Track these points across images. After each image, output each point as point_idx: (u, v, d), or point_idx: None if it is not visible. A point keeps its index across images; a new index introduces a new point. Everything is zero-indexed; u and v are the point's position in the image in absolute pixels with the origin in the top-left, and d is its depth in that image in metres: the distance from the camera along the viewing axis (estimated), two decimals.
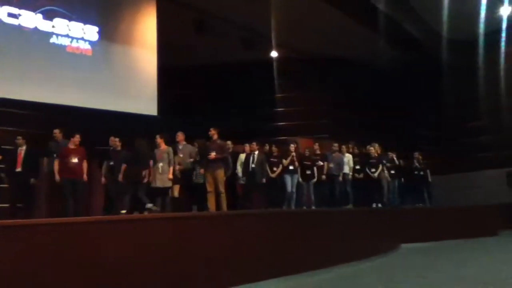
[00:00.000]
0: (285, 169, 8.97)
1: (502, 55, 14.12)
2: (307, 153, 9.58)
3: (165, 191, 7.55)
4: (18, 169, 7.46)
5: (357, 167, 10.12)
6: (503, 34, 13.89)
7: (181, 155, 8.24)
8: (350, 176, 10.01)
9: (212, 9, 11.84)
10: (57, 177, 7.09)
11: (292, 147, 9.23)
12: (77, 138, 7.35)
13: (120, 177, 7.50)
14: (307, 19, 12.30)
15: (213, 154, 7.65)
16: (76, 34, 9.60)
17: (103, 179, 7.80)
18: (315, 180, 9.41)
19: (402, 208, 10.77)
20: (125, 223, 5.26)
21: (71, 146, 7.24)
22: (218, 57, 14.09)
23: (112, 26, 10.16)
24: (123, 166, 7.51)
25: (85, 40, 9.71)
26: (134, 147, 7.61)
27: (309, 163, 9.40)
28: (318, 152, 9.95)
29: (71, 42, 9.51)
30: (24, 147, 7.59)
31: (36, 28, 9.08)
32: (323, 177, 9.60)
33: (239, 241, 5.92)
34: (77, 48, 9.60)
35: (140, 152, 7.48)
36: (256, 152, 8.87)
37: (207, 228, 5.79)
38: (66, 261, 4.41)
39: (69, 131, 7.61)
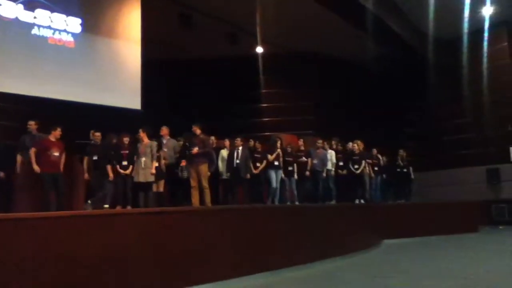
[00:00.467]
0: (270, 165, 8.97)
1: (485, 54, 14.34)
2: (289, 149, 9.59)
3: (148, 186, 7.48)
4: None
5: (340, 163, 10.19)
6: (486, 34, 14.11)
7: (165, 150, 8.20)
8: (333, 172, 10.06)
9: (197, 3, 11.76)
10: (36, 169, 6.91)
11: (278, 143, 9.25)
12: (58, 131, 7.21)
13: (110, 174, 7.44)
14: (292, 15, 12.30)
15: (195, 149, 7.61)
16: (59, 25, 9.42)
17: (86, 174, 7.64)
18: (296, 176, 9.42)
19: (384, 204, 10.89)
20: (105, 217, 5.21)
21: (52, 139, 7.11)
22: (203, 51, 14.03)
23: (96, 19, 10.00)
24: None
25: (68, 32, 9.54)
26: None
27: (291, 159, 9.41)
28: (302, 148, 9.97)
29: (53, 33, 9.33)
30: None
31: (16, 18, 8.89)
32: (307, 173, 9.63)
33: (221, 236, 5.93)
34: (59, 40, 9.43)
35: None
36: (240, 148, 8.85)
37: (189, 222, 5.77)
38: (46, 256, 4.35)
39: (50, 124, 7.45)
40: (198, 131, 7.87)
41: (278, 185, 9.06)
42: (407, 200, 11.75)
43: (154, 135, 8.10)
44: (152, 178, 7.53)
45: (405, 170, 11.66)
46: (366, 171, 10.44)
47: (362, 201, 10.32)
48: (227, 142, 9.25)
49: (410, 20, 13.41)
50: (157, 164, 7.54)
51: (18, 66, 8.86)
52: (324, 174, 9.86)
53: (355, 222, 8.83)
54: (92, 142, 7.82)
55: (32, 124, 7.26)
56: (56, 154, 7.03)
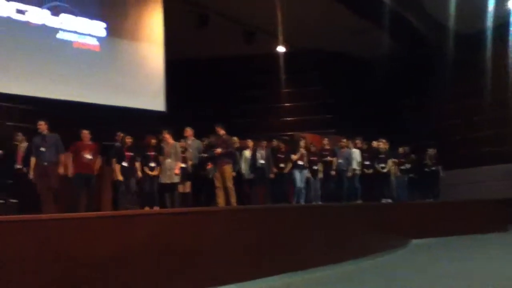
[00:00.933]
0: (294, 165, 8.94)
1: (509, 49, 13.93)
2: (313, 148, 9.53)
3: (173, 186, 7.54)
4: (19, 166, 7.46)
5: (366, 162, 10.07)
6: (511, 28, 13.71)
7: (190, 150, 8.24)
8: (358, 171, 9.96)
9: (216, 4, 11.80)
10: (62, 172, 7.01)
11: (302, 142, 9.22)
12: (85, 133, 7.34)
13: (139, 175, 7.51)
14: (311, 13, 12.24)
15: (218, 150, 7.67)
16: (84, 30, 9.56)
17: (118, 176, 7.67)
18: (321, 175, 9.37)
19: (411, 203, 10.70)
20: (131, 218, 5.24)
21: (85, 141, 7.24)
22: (223, 51, 14.05)
23: (119, 22, 10.13)
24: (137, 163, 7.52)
25: (93, 36, 9.68)
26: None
27: (315, 158, 9.36)
28: (327, 147, 9.90)
29: (78, 38, 9.49)
30: (25, 144, 7.56)
31: (43, 24, 9.06)
32: (332, 172, 9.56)
33: (244, 237, 5.88)
34: (84, 43, 9.57)
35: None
36: (263, 148, 8.86)
37: (215, 223, 5.77)
38: (68, 257, 4.39)
39: (76, 127, 7.59)
40: (221, 132, 7.94)
41: (303, 185, 9.03)
42: (435, 199, 11.53)
43: (178, 136, 8.16)
44: (177, 179, 7.59)
45: (433, 168, 11.43)
46: (392, 170, 10.30)
47: (388, 200, 10.18)
48: (250, 143, 9.23)
49: (430, 14, 13.16)
50: (182, 165, 7.59)
51: (44, 70, 9.03)
52: (350, 174, 9.76)
53: (381, 221, 8.69)
54: (118, 144, 7.89)
55: (42, 124, 7.16)
56: (89, 156, 7.15)
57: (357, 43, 13.83)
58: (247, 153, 9.05)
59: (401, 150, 10.95)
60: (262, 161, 8.76)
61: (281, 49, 14.22)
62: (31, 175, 6.99)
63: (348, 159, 9.80)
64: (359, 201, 9.74)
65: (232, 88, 14.59)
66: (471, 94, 14.19)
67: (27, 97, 8.80)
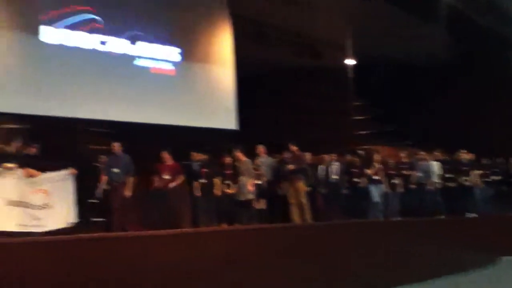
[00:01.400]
0: (370, 179, 8.72)
1: None
2: (391, 161, 9.24)
3: (247, 203, 7.65)
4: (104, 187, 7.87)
5: (448, 175, 9.55)
6: None
7: (263, 168, 8.31)
8: (439, 185, 9.47)
9: (283, 21, 11.96)
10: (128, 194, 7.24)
11: (376, 156, 8.99)
12: (165, 155, 7.67)
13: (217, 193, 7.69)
14: (380, 24, 12.05)
15: (291, 166, 7.70)
16: (160, 56, 10.08)
17: (196, 193, 7.92)
18: (402, 189, 9.03)
19: (499, 217, 9.96)
20: (213, 234, 5.37)
21: (167, 162, 7.56)
22: (291, 66, 14.14)
23: (192, 46, 10.55)
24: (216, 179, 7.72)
25: (168, 61, 10.17)
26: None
27: (393, 172, 9.05)
28: (404, 160, 9.54)
29: (155, 63, 10.01)
30: None
31: (122, 52, 9.66)
32: (412, 186, 9.18)
33: (323, 253, 5.80)
34: (161, 69, 10.08)
35: None
36: (337, 163, 8.74)
37: (290, 239, 5.75)
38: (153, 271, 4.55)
39: (154, 149, 7.95)
40: (293, 148, 7.98)
41: (379, 200, 8.76)
42: None
43: (252, 154, 8.29)
44: (251, 196, 7.69)
45: None
46: (476, 182, 9.69)
47: (473, 214, 9.56)
48: (324, 157, 9.12)
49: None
50: (258, 182, 7.69)
51: (124, 95, 9.54)
52: (430, 187, 9.31)
53: (468, 237, 8.18)
54: (195, 162, 8.14)
55: (115, 146, 7.44)
56: (167, 177, 7.46)
57: (424, 51, 13.37)
58: (321, 168, 8.97)
59: (485, 161, 10.29)
60: (336, 176, 8.64)
61: (350, 61, 14.05)
62: (99, 193, 7.27)
63: (427, 172, 9.36)
64: (442, 216, 9.23)
65: (302, 103, 14.57)
66: None
67: (106, 121, 9.34)
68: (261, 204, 7.92)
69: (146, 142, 9.03)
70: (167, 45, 10.15)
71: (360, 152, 10.14)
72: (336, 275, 5.79)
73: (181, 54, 10.32)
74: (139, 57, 9.85)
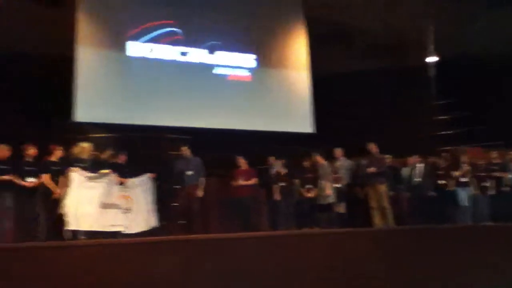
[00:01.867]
0: (457, 182, 8.25)
1: None
2: (480, 163, 8.67)
3: (328, 207, 7.59)
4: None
5: None
6: None
7: (341, 171, 8.21)
8: None
9: (358, 21, 11.70)
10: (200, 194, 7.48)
11: (463, 157, 8.50)
12: (240, 160, 7.87)
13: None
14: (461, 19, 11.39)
15: (372, 169, 7.52)
16: (236, 63, 10.34)
17: (276, 196, 7.99)
18: (493, 192, 8.44)
19: None
20: (289, 238, 5.38)
21: (242, 167, 7.77)
22: (369, 66, 13.76)
23: (268, 52, 10.70)
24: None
25: (244, 68, 10.41)
26: None
27: (484, 173, 8.48)
28: (496, 161, 8.91)
29: (232, 71, 10.28)
30: None
31: (201, 62, 10.04)
32: (504, 188, 8.55)
33: (408, 258, 5.57)
34: (237, 76, 10.33)
35: None
36: (421, 164, 8.39)
37: (372, 244, 5.60)
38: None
39: (231, 154, 8.24)
40: (374, 150, 7.78)
41: (468, 203, 8.25)
42: None
43: (329, 156, 8.21)
44: (330, 200, 7.62)
45: None
46: None
47: None
48: (407, 159, 8.80)
49: None
50: (337, 185, 7.61)
51: (202, 103, 9.85)
52: None
53: None
54: (273, 168, 8.23)
55: (185, 149, 7.76)
56: (242, 182, 7.65)
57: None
58: (405, 170, 8.67)
59: None
60: (419, 179, 8.30)
61: (431, 59, 13.41)
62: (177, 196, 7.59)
63: None
64: None
65: (380, 104, 14.14)
66: None
67: (189, 128, 9.72)
68: (341, 208, 7.83)
69: (225, 148, 9.28)
70: (244, 52, 10.39)
71: (444, 153, 9.62)
72: (422, 282, 5.54)
73: (256, 60, 10.52)
74: (217, 65, 10.18)
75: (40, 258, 4.18)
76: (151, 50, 9.52)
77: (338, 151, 8.59)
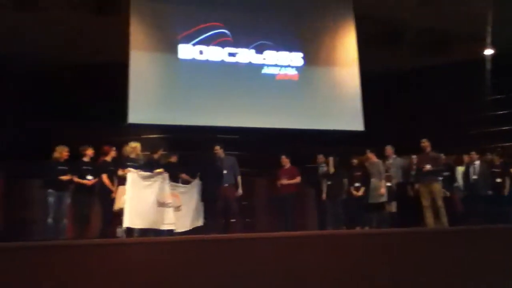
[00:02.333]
0: None
1: None
2: None
3: (379, 206, 7.47)
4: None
5: None
6: None
7: (393, 169, 8.06)
8: None
9: (406, 17, 11.36)
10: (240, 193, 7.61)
11: None
12: (283, 159, 7.94)
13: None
14: None
15: (427, 167, 7.33)
16: (284, 62, 10.35)
17: (323, 195, 8.01)
18: None
19: None
20: (337, 238, 5.36)
21: (285, 165, 7.82)
22: (417, 63, 13.35)
23: (315, 50, 10.61)
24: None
25: (292, 67, 10.41)
26: None
27: None
28: None
29: (279, 70, 10.31)
30: None
31: (250, 62, 10.13)
32: None
33: (464, 259, 5.39)
34: (285, 74, 10.34)
35: None
36: (477, 162, 8.08)
37: (425, 244, 5.46)
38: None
39: (277, 153, 8.34)
40: (428, 147, 7.57)
41: None
42: None
43: (381, 155, 8.08)
44: (382, 199, 7.51)
45: None
46: None
47: None
48: (463, 157, 8.50)
49: None
50: (388, 184, 7.48)
51: (251, 103, 9.94)
52: None
53: None
54: (322, 166, 8.22)
55: (218, 149, 7.83)
56: (285, 180, 7.70)
57: None
58: (461, 169, 8.38)
59: None
60: (475, 177, 8.00)
61: (488, 51, 12.80)
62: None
63: None
64: None
65: (430, 100, 13.68)
66: None
67: (238, 128, 9.84)
68: (392, 207, 7.68)
69: (274, 148, 9.35)
70: (291, 51, 10.39)
71: (499, 149, 9.19)
72: (477, 284, 5.34)
73: (303, 58, 10.48)
74: (266, 65, 10.24)
75: (94, 255, 4.40)
76: (201, 52, 9.73)
77: (389, 149, 8.43)
